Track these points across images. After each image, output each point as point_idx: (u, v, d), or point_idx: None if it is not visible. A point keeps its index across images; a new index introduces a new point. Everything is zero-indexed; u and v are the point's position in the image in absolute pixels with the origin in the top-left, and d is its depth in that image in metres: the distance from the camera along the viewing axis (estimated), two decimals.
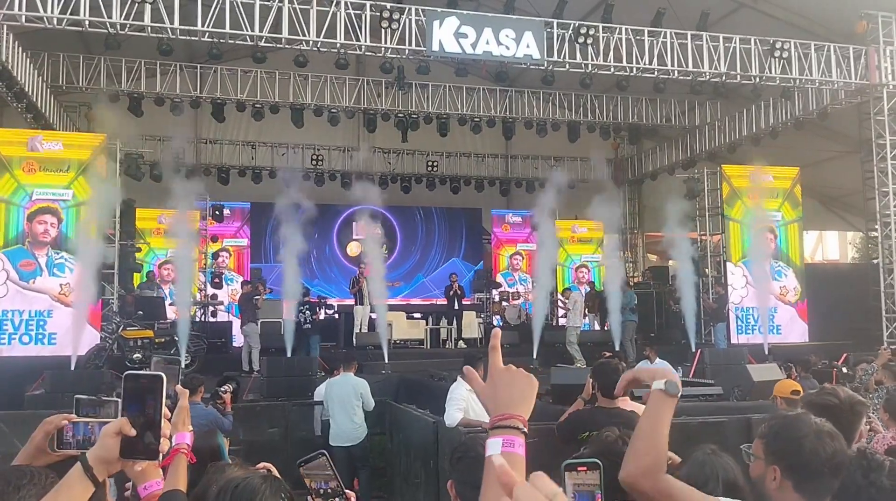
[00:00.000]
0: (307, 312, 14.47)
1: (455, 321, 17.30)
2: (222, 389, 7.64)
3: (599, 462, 1.61)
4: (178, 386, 2.06)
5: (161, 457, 1.63)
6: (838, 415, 2.64)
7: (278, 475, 2.21)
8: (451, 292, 17.42)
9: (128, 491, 1.99)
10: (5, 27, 12.96)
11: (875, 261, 16.01)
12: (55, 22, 11.97)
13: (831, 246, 29.83)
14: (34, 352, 12.34)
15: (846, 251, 28.44)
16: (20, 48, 14.12)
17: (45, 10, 11.76)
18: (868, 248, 19.23)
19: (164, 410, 1.59)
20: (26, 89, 14.59)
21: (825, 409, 2.66)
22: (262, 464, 2.41)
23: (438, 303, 20.18)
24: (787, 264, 16.72)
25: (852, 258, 26.53)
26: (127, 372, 1.61)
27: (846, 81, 15.03)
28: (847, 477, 2.14)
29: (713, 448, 2.53)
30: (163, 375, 1.59)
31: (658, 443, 2.06)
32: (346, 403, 8.59)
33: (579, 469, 1.60)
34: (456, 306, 17.46)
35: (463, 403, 6.59)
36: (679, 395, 2.10)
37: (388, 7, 13.08)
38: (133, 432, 1.52)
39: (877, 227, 15.70)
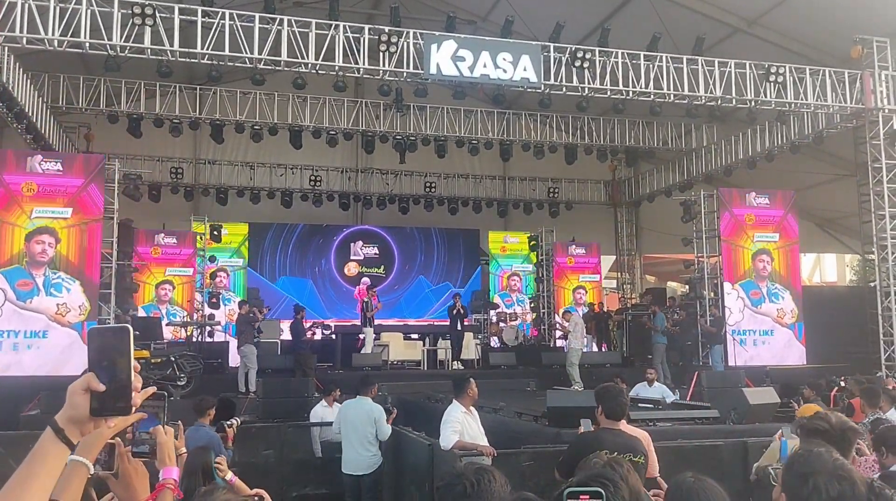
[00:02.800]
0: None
1: (456, 342, 17.24)
2: (227, 423, 7.36)
3: (602, 492, 1.61)
4: (160, 427, 1.98)
5: (133, 410, 1.53)
6: (829, 440, 2.66)
7: None
8: (454, 312, 17.38)
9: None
10: (6, 48, 13.07)
11: (872, 284, 16.03)
12: (56, 44, 12.04)
13: (829, 268, 29.92)
14: (30, 372, 12.29)
15: (844, 274, 28.50)
16: (21, 69, 14.23)
17: (45, 32, 11.83)
18: (865, 270, 19.26)
19: (135, 364, 1.51)
20: (26, 110, 14.68)
21: (817, 434, 2.67)
22: (254, 491, 2.40)
23: (436, 324, 20.19)
24: (785, 287, 16.75)
25: (850, 281, 26.58)
26: (91, 328, 1.53)
27: (841, 105, 15.14)
28: None
29: (693, 474, 2.53)
30: (129, 327, 1.52)
31: None
32: (360, 429, 7.92)
33: (581, 497, 1.59)
34: (458, 327, 17.43)
35: (458, 425, 6.56)
36: None
37: (387, 30, 13.20)
38: (101, 386, 1.44)
39: (874, 250, 15.73)
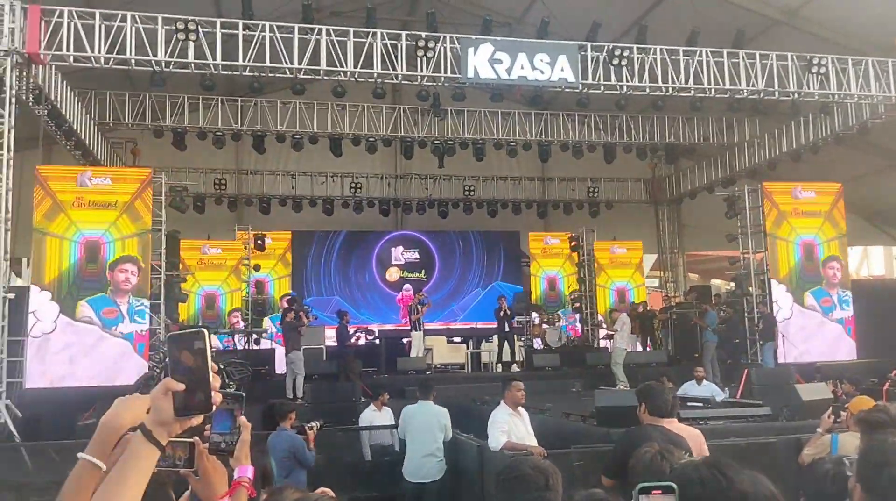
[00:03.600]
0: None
1: (507, 343, 17.20)
2: (308, 425, 7.31)
3: (674, 487, 1.60)
4: (242, 419, 2.06)
5: (213, 409, 1.61)
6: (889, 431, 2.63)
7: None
8: (501, 314, 17.35)
9: None
10: (54, 68, 13.47)
11: None
12: (102, 61, 12.38)
13: (876, 262, 29.17)
14: (85, 382, 12.60)
15: (892, 267, 27.78)
16: (68, 87, 14.65)
17: (92, 50, 12.18)
18: None
19: (212, 364, 1.59)
20: (75, 127, 15.11)
21: (879, 426, 2.64)
22: (320, 490, 2.46)
23: (479, 327, 20.19)
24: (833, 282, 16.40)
25: None
26: (169, 334, 1.66)
27: (886, 94, 14.81)
28: None
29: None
30: (205, 330, 1.60)
31: None
32: (427, 434, 7.69)
33: (653, 492, 1.58)
34: (506, 329, 17.34)
35: (505, 426, 6.57)
36: None
37: (424, 36, 13.29)
38: (180, 386, 1.54)
39: None
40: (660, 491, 1.57)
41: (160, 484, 1.84)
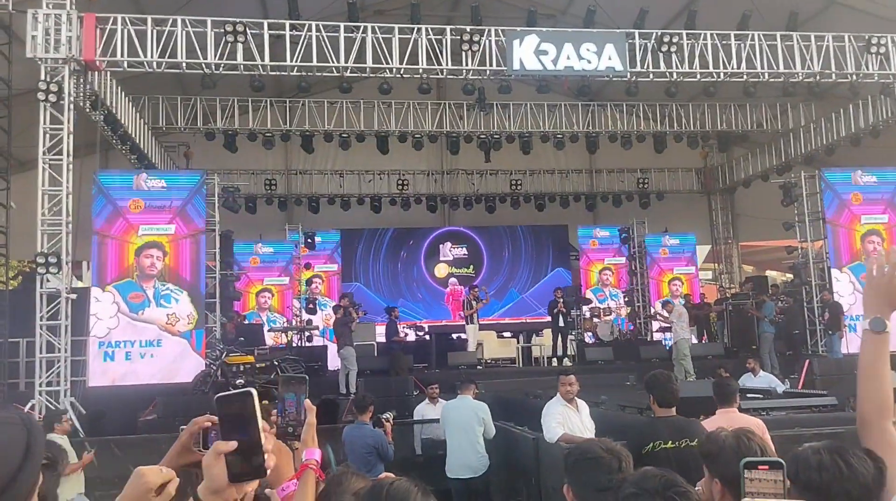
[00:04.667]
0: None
1: (560, 338, 17.02)
2: (384, 416, 7.34)
3: (782, 462, 1.56)
4: (307, 402, 2.05)
5: (267, 472, 1.54)
6: None
7: None
8: (556, 309, 17.13)
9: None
10: (109, 74, 13.80)
11: None
12: (154, 66, 12.65)
13: None
14: (145, 380, 12.91)
15: None
16: (122, 93, 15.00)
17: (144, 55, 12.45)
18: None
19: (263, 424, 1.53)
20: (129, 132, 15.46)
21: None
22: (384, 474, 2.45)
23: (529, 321, 20.07)
24: None
25: None
26: (216, 396, 1.55)
27: None
28: None
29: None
30: (252, 390, 1.53)
31: (878, 385, 2.02)
32: (467, 429, 7.67)
33: (760, 467, 1.55)
34: (561, 323, 17.09)
35: (560, 417, 6.49)
36: (886, 330, 2.04)
37: (468, 29, 13.25)
38: (231, 445, 1.46)
39: None
40: (766, 467, 1.53)
41: None
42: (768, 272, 25.56)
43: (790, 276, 17.92)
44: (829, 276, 15.66)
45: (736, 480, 1.60)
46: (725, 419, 4.60)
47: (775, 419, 7.40)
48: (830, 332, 14.77)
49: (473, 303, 16.46)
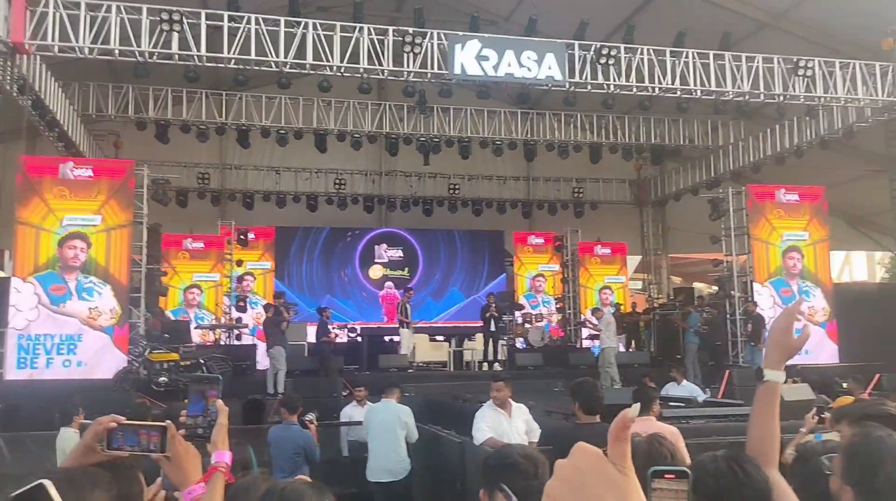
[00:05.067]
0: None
1: (491, 343, 17.12)
2: (308, 418, 7.26)
3: (688, 471, 1.58)
4: (219, 403, 2.00)
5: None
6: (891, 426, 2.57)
7: None
8: (488, 314, 17.25)
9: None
10: (38, 58, 13.28)
11: None
12: (86, 51, 12.23)
13: (858, 267, 29.44)
14: (65, 375, 12.46)
15: (874, 272, 28.04)
16: (52, 78, 14.46)
17: (76, 41, 12.03)
18: None
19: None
20: (58, 118, 14.91)
21: (869, 418, 2.59)
22: (299, 477, 2.40)
23: (461, 326, 20.16)
24: (815, 284, 16.51)
25: (881, 278, 26.14)
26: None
27: (872, 98, 14.89)
28: None
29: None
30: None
31: (759, 433, 2.06)
32: (389, 433, 7.64)
33: (666, 476, 1.56)
34: (493, 328, 17.21)
35: (489, 421, 6.53)
36: (768, 380, 2.08)
37: (411, 31, 13.23)
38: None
39: None
40: (673, 476, 1.54)
41: (129, 469, 1.77)
42: (695, 284, 26.31)
43: (716, 288, 18.46)
44: (752, 289, 16.19)
45: (646, 484, 1.62)
46: (642, 427, 4.67)
47: (695, 427, 7.60)
48: (752, 344, 15.26)
49: (408, 307, 16.44)
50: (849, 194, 19.41)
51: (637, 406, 1.08)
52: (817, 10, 15.00)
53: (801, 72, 14.33)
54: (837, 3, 14.58)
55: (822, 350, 16.05)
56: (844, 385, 9.49)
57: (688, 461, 4.88)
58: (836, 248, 19.50)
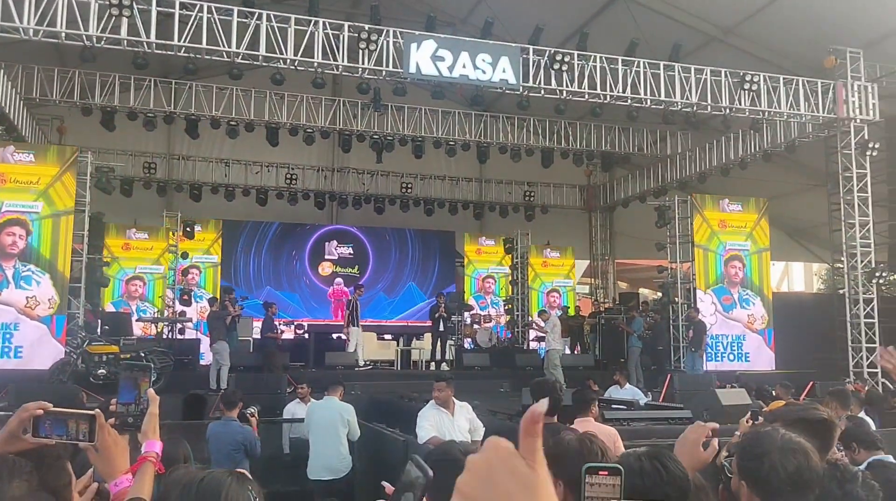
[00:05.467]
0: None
1: (440, 343, 17.14)
2: (249, 411, 7.15)
3: (621, 468, 1.60)
4: (151, 391, 1.96)
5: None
6: (810, 430, 2.66)
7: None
8: (437, 314, 17.26)
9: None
10: None
11: (841, 291, 16.29)
12: (31, 33, 11.83)
13: (797, 277, 30.37)
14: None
15: (812, 282, 28.95)
16: None
17: (21, 21, 11.64)
18: (834, 279, 19.58)
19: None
20: None
21: (814, 423, 2.67)
22: (239, 471, 2.36)
23: (410, 325, 20.15)
24: (756, 293, 16.97)
25: (818, 289, 27.00)
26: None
27: (814, 114, 15.38)
28: (822, 490, 2.14)
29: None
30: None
31: None
32: (330, 430, 7.60)
33: (600, 473, 1.59)
34: (441, 328, 17.24)
35: (433, 420, 6.55)
36: None
37: (367, 28, 13.16)
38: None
39: (842, 258, 15.99)
40: (606, 473, 1.57)
41: (56, 459, 1.73)
42: (641, 290, 26.77)
43: (660, 294, 18.83)
44: (695, 296, 16.56)
45: (578, 482, 1.65)
46: (581, 427, 4.76)
47: (635, 429, 7.74)
48: (693, 350, 15.60)
49: (358, 305, 16.35)
50: (789, 207, 20.03)
51: (545, 401, 1.10)
52: (764, 26, 15.42)
53: (746, 86, 14.70)
54: (783, 20, 15.00)
55: (760, 358, 16.52)
56: (773, 392, 9.78)
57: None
58: (776, 259, 20.08)
